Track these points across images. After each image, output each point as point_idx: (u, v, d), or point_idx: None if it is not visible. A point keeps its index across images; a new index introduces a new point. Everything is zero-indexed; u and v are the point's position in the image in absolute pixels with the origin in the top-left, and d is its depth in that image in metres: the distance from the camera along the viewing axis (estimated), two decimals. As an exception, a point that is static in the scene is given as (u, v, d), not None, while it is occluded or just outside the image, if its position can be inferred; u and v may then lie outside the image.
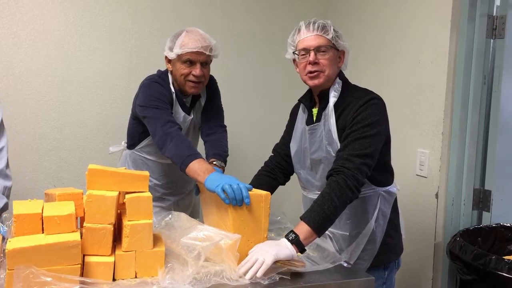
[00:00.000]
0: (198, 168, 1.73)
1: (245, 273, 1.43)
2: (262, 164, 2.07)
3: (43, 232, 1.36)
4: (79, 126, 2.76)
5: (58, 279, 1.24)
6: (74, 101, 2.74)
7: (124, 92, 2.77)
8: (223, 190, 1.56)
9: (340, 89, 1.79)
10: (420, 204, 2.38)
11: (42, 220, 1.36)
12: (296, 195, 2.07)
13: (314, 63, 1.73)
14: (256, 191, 1.63)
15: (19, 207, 1.41)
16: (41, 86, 2.67)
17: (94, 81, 2.77)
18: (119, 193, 1.49)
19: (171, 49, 2.00)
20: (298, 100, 1.95)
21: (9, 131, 2.08)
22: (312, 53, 1.73)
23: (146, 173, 1.54)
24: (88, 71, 2.75)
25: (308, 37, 1.75)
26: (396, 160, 1.93)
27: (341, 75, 1.83)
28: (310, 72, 1.75)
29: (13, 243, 1.28)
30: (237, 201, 1.54)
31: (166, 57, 2.05)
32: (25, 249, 1.27)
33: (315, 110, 1.85)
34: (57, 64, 2.69)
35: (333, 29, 1.77)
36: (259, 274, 1.42)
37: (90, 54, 2.75)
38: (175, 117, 2.05)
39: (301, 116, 1.90)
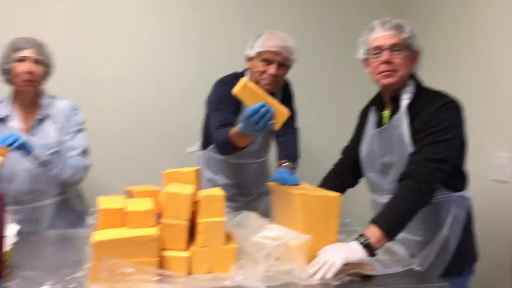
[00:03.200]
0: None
1: (315, 274, 1.44)
2: (331, 166, 2.07)
3: (124, 226, 1.45)
4: (158, 126, 2.90)
5: (139, 270, 1.32)
6: (151, 102, 2.88)
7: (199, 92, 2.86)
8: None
9: (414, 91, 1.75)
10: (497, 211, 2.28)
11: (124, 215, 1.45)
12: (364, 198, 2.05)
13: (388, 62, 1.71)
14: (326, 193, 1.64)
15: (103, 202, 1.51)
16: (118, 90, 2.83)
17: (169, 82, 2.90)
18: (194, 191, 1.56)
19: (252, 47, 2.07)
20: (368, 102, 1.94)
21: (89, 133, 2.23)
22: (386, 52, 1.70)
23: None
24: (163, 74, 2.88)
25: (382, 35, 1.72)
26: (468, 164, 1.86)
27: (414, 77, 1.80)
28: (383, 71, 1.72)
29: (98, 235, 1.38)
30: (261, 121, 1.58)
31: (246, 56, 2.11)
32: (109, 241, 1.36)
33: (385, 113, 1.83)
34: (133, 68, 2.84)
35: (409, 29, 1.74)
36: (328, 276, 1.43)
37: (164, 57, 2.87)
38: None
39: (371, 119, 1.89)
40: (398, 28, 1.72)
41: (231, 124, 1.97)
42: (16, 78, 1.97)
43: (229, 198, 2.20)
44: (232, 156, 2.17)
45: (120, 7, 2.84)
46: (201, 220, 1.49)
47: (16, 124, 2.04)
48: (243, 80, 1.63)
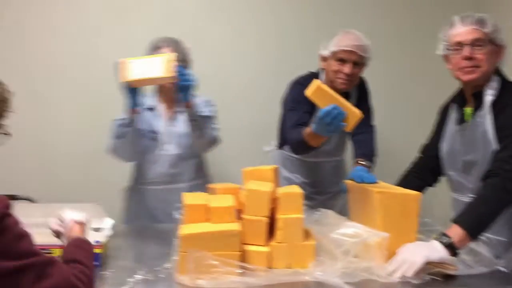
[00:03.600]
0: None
1: (394, 272, 1.44)
2: (410, 165, 2.04)
3: (207, 221, 1.53)
4: (235, 126, 2.96)
5: (223, 263, 1.40)
6: (228, 102, 2.97)
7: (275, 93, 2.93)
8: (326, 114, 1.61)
9: (498, 87, 1.69)
10: None
11: (207, 210, 1.53)
12: (445, 197, 2.00)
13: (469, 58, 1.66)
14: (405, 191, 1.63)
15: (188, 198, 1.60)
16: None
17: (244, 83, 2.99)
18: (273, 189, 1.61)
19: (326, 47, 2.09)
20: (449, 98, 1.89)
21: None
22: (467, 48, 1.66)
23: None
24: (239, 73, 2.98)
25: (463, 31, 1.68)
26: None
27: (499, 72, 1.73)
28: (465, 67, 1.68)
29: (185, 229, 1.47)
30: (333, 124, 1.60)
31: (320, 55, 2.14)
32: (195, 234, 1.44)
33: (467, 109, 1.78)
34: (211, 69, 2.94)
35: (491, 23, 1.68)
36: (408, 274, 1.42)
37: (240, 56, 2.97)
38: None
39: (453, 116, 1.84)
40: (480, 22, 1.67)
41: (306, 124, 2.00)
42: None
43: (305, 197, 2.23)
44: (308, 155, 2.20)
45: (196, 10, 2.96)
46: (280, 216, 1.54)
47: (161, 113, 2.19)
48: (316, 82, 1.66)
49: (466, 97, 1.79)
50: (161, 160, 2.16)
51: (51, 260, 1.05)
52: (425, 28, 2.98)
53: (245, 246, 1.52)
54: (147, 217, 2.17)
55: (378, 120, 2.30)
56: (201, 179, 2.25)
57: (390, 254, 1.50)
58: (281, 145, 2.35)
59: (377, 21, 3.06)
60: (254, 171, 1.69)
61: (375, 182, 1.73)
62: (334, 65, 2.07)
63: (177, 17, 2.95)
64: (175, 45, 2.13)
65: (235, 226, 1.48)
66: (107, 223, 1.69)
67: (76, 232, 1.31)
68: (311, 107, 2.09)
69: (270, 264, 1.52)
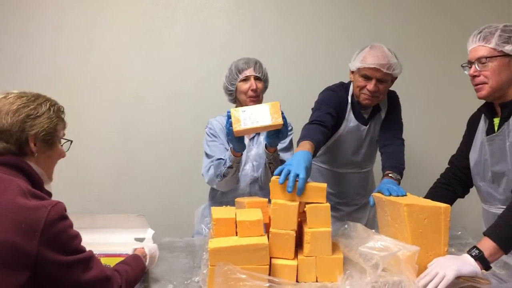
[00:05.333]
0: (299, 146, 1.80)
1: (425, 286, 1.42)
2: (438, 177, 2.01)
3: (236, 235, 1.55)
4: None
5: (251, 276, 1.40)
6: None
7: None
8: (280, 172, 1.58)
9: None
10: None
11: (236, 224, 1.54)
12: (476, 208, 1.97)
13: (474, 76, 1.68)
14: (435, 203, 1.61)
15: (216, 212, 1.62)
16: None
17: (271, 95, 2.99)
18: (300, 202, 1.61)
19: (353, 61, 2.09)
20: (478, 109, 1.87)
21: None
22: (473, 66, 1.68)
23: (324, 185, 1.64)
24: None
25: (472, 48, 1.70)
26: None
27: None
28: (474, 85, 1.70)
29: (213, 243, 1.48)
30: (289, 187, 1.55)
31: (350, 68, 2.15)
32: (223, 248, 1.46)
33: (496, 120, 1.76)
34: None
35: (498, 35, 1.65)
36: None
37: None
38: (346, 125, 2.16)
39: (482, 126, 1.82)
40: (485, 38, 1.67)
41: (323, 124, 2.00)
42: (242, 95, 2.17)
43: (332, 208, 2.24)
44: (336, 165, 2.21)
45: (226, 27, 3.00)
46: (308, 230, 1.55)
47: None
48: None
49: (495, 108, 1.77)
50: (241, 181, 2.18)
51: (92, 256, 1.26)
52: (456, 39, 2.95)
53: (273, 259, 1.52)
54: None
55: (406, 131, 2.28)
56: None
57: (421, 268, 1.48)
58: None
59: (406, 30, 3.06)
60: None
61: (403, 195, 1.72)
62: (359, 81, 2.07)
63: (204, 35, 2.99)
64: (257, 66, 2.18)
65: (263, 240, 1.49)
66: (149, 234, 1.74)
67: (138, 251, 1.55)
68: (336, 111, 2.11)
69: (298, 278, 1.52)
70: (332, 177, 2.31)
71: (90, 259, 1.23)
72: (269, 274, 1.48)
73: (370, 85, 2.03)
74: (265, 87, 2.22)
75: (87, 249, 1.26)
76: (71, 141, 1.42)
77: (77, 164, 2.92)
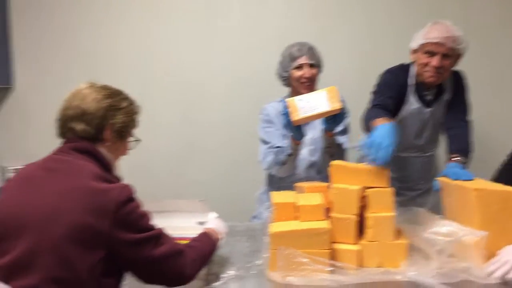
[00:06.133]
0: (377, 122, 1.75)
1: (494, 273, 1.37)
2: (505, 158, 1.92)
3: (296, 219, 1.55)
4: None
5: (313, 260, 1.41)
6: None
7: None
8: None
9: None
10: None
11: (296, 208, 1.55)
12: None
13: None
14: (505, 188, 1.54)
15: (277, 197, 1.63)
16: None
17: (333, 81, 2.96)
18: (361, 186, 1.59)
19: (416, 40, 2.03)
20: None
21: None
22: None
23: (387, 168, 1.60)
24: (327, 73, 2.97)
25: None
26: None
27: None
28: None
29: (275, 227, 1.50)
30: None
31: (411, 49, 2.08)
32: (284, 232, 1.47)
33: None
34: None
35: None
36: (510, 276, 1.34)
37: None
38: (408, 108, 2.10)
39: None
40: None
41: (386, 108, 1.96)
42: (295, 82, 2.18)
43: (394, 193, 2.20)
44: (397, 149, 2.15)
45: (284, 11, 2.97)
46: (370, 214, 1.52)
47: None
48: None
49: None
50: (298, 165, 2.18)
51: (162, 233, 1.31)
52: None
53: (335, 244, 1.51)
54: None
55: (474, 114, 2.18)
56: None
57: (489, 255, 1.42)
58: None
59: (476, 9, 2.91)
60: (343, 167, 1.64)
61: (471, 179, 1.65)
62: (423, 58, 1.99)
63: (260, 20, 2.99)
64: (311, 52, 2.17)
65: (324, 224, 1.48)
66: (212, 216, 1.77)
67: (208, 229, 1.57)
68: (397, 94, 2.05)
69: (361, 263, 1.50)
70: (394, 161, 2.23)
71: (160, 235, 1.29)
72: (331, 259, 1.47)
73: (435, 61, 1.95)
74: (319, 72, 2.19)
75: None
76: (139, 140, 1.49)
77: (141, 151, 3.01)
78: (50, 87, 2.91)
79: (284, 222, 1.54)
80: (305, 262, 1.40)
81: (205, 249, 1.43)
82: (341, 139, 2.13)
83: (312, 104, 1.77)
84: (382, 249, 1.51)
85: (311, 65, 2.14)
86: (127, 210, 1.23)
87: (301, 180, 2.06)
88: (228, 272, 1.49)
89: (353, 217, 1.53)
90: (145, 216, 1.28)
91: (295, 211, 1.55)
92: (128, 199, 1.24)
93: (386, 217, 1.51)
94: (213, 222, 1.62)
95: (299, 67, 2.14)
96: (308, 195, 1.64)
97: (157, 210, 1.77)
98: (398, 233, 1.55)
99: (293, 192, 1.73)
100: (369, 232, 1.52)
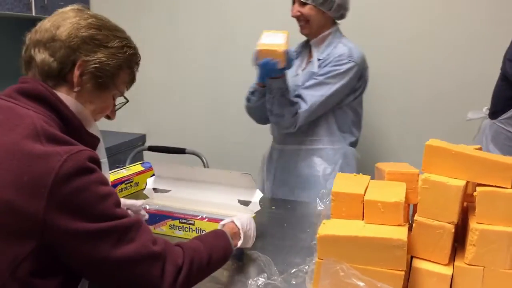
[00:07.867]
0: None
1: None
2: None
3: (362, 218, 1.09)
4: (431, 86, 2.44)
5: (373, 286, 0.95)
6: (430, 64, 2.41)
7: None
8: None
9: None
10: None
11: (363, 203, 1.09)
12: None
13: None
14: None
15: (340, 182, 1.17)
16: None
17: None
18: (468, 182, 1.06)
19: None
20: None
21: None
22: None
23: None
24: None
25: None
26: None
27: None
28: None
29: (326, 227, 1.06)
30: None
31: None
32: (338, 237, 1.02)
33: None
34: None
35: None
36: None
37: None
38: None
39: None
40: None
41: None
42: None
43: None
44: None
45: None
46: (475, 225, 1.01)
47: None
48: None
49: None
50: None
51: (133, 225, 0.89)
52: None
53: (416, 261, 1.05)
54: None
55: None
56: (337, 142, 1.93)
57: None
58: (494, 114, 1.73)
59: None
60: (443, 149, 1.12)
61: None
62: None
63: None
64: None
65: (400, 233, 1.01)
66: (257, 197, 1.39)
67: (229, 227, 1.17)
68: None
69: (452, 294, 1.02)
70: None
71: (128, 228, 0.88)
72: (407, 283, 1.01)
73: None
74: (320, 11, 1.81)
75: (174, 209, 0.98)
76: (127, 101, 1.08)
77: (216, 110, 2.90)
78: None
79: (343, 221, 1.10)
80: (360, 286, 0.95)
81: (207, 254, 0.99)
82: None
83: (270, 39, 1.69)
84: (491, 279, 1.01)
85: (302, 3, 1.81)
86: (73, 187, 0.82)
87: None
88: (259, 278, 1.09)
89: (449, 226, 1.02)
90: (106, 197, 0.87)
91: (361, 207, 1.10)
92: (78, 169, 0.83)
93: (503, 233, 0.99)
94: (242, 219, 1.21)
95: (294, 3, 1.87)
96: (386, 185, 1.16)
97: (193, 179, 1.44)
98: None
99: (366, 177, 1.25)
100: (470, 251, 1.01)
